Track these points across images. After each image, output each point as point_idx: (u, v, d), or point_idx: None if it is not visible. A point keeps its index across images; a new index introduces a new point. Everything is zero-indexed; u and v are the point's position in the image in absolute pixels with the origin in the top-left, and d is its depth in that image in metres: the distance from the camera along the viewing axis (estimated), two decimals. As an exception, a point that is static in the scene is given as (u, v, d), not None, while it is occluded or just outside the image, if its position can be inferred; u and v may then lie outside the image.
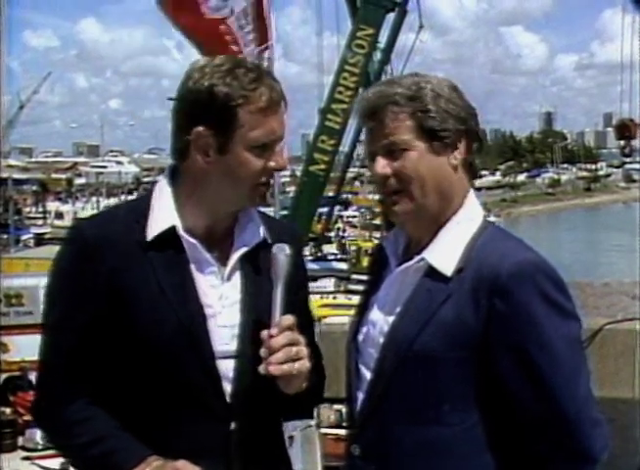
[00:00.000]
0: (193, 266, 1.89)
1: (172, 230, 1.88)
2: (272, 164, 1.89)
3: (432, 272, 1.85)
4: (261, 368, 1.79)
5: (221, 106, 1.83)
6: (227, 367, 1.88)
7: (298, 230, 2.26)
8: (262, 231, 1.97)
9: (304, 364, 1.84)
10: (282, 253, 1.89)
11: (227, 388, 1.88)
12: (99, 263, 1.85)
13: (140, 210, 1.92)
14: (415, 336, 1.81)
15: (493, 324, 1.78)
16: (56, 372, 1.90)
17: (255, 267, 1.95)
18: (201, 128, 1.85)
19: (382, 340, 1.88)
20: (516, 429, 1.82)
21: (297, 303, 2.01)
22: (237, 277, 1.94)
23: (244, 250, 1.94)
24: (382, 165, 1.86)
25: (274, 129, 1.88)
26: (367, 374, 1.90)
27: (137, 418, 1.87)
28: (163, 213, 1.90)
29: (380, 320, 1.90)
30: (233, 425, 1.87)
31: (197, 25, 6.38)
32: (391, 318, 1.88)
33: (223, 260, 1.93)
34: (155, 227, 1.88)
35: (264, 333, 1.82)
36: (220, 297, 1.90)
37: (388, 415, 1.86)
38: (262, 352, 1.80)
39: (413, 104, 1.83)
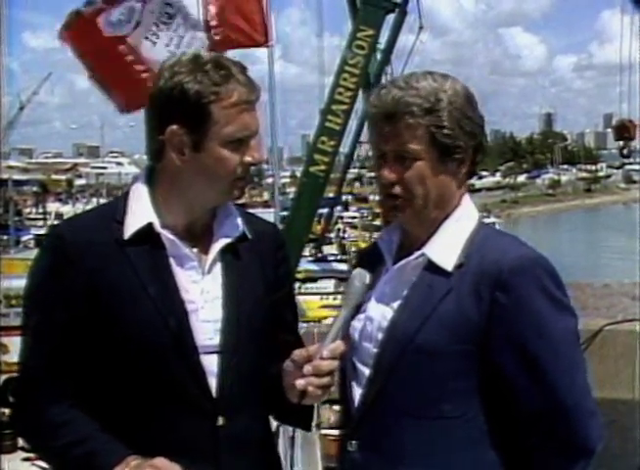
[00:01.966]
0: (173, 262, 1.89)
1: (150, 228, 1.87)
2: (248, 158, 1.89)
3: (431, 267, 1.88)
4: (300, 384, 1.80)
5: (193, 103, 1.83)
6: (212, 362, 1.88)
7: (278, 228, 2.27)
8: (241, 225, 1.97)
9: (331, 392, 1.86)
10: (359, 280, 1.89)
11: (212, 383, 1.87)
12: (78, 265, 1.84)
13: (117, 210, 1.92)
14: (416, 330, 1.83)
15: (495, 317, 1.81)
16: (36, 374, 1.89)
17: (236, 261, 1.95)
18: (174, 127, 1.84)
19: (380, 335, 1.89)
20: (515, 420, 1.84)
21: (281, 297, 2.02)
22: (218, 271, 1.93)
23: (224, 242, 1.94)
24: (389, 171, 1.88)
25: (248, 124, 1.87)
26: (365, 370, 1.91)
27: (123, 417, 1.86)
28: (140, 212, 1.90)
29: (377, 316, 1.91)
30: (220, 421, 1.87)
31: (95, 48, 5.76)
32: (390, 314, 1.89)
33: (203, 255, 1.93)
34: (132, 225, 1.88)
35: (313, 349, 1.82)
36: (202, 292, 1.90)
37: (387, 410, 1.87)
38: (306, 369, 1.80)
39: (430, 117, 1.84)
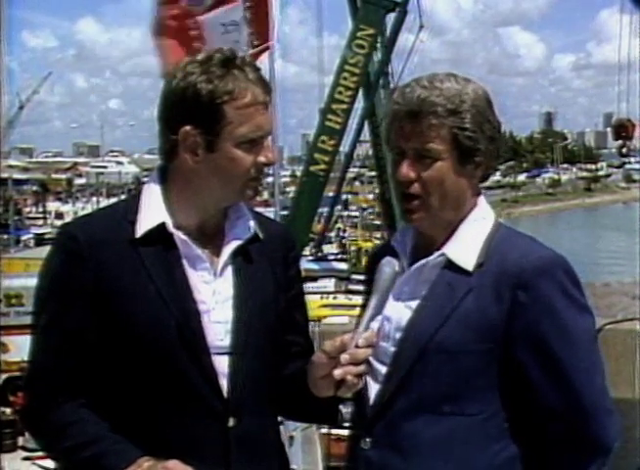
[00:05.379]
0: (185, 263, 1.88)
1: (163, 227, 1.87)
2: (262, 159, 1.88)
3: (451, 267, 1.88)
4: (338, 373, 1.79)
5: (207, 104, 1.82)
6: (222, 363, 1.87)
7: (289, 230, 2.26)
8: (253, 226, 1.96)
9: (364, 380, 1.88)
10: (390, 266, 1.89)
11: (224, 384, 1.87)
12: (90, 263, 1.84)
13: (129, 209, 1.91)
14: (436, 329, 1.84)
15: (515, 316, 1.82)
16: (45, 374, 1.88)
17: (248, 262, 1.95)
18: (188, 128, 1.84)
19: (399, 335, 1.89)
20: (533, 418, 1.86)
21: (291, 298, 2.02)
22: (229, 272, 1.93)
23: (236, 244, 1.93)
24: (408, 169, 1.88)
25: (261, 124, 1.86)
26: (382, 368, 1.91)
27: (133, 417, 1.85)
28: (153, 211, 1.89)
29: (395, 315, 1.91)
30: (231, 421, 1.86)
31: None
32: (409, 313, 1.90)
33: (215, 256, 1.92)
34: (144, 225, 1.87)
35: (346, 338, 1.82)
36: (213, 293, 1.89)
37: (404, 407, 1.87)
38: (343, 358, 1.79)
39: (453, 119, 1.85)
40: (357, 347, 1.80)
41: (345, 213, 49.16)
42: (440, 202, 1.88)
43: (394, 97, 1.91)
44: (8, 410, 6.44)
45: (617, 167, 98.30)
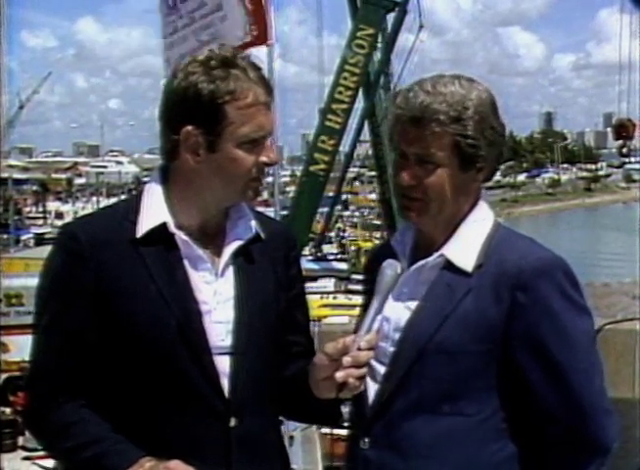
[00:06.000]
0: (186, 263, 1.88)
1: (164, 228, 1.87)
2: (264, 159, 1.89)
3: (450, 268, 1.89)
4: (340, 376, 1.79)
5: (208, 104, 1.82)
6: (224, 363, 1.88)
7: (290, 229, 2.26)
8: (254, 226, 1.97)
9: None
10: (391, 269, 1.89)
11: (225, 384, 1.87)
12: (91, 263, 1.84)
13: (131, 209, 1.91)
14: (435, 330, 1.85)
15: (514, 317, 1.83)
16: (46, 374, 1.88)
17: (249, 262, 1.95)
18: (189, 128, 1.84)
19: (398, 335, 1.90)
20: (532, 419, 1.87)
21: (292, 298, 2.02)
22: (230, 273, 1.93)
23: (237, 244, 1.94)
24: (409, 174, 1.89)
25: (263, 124, 1.87)
26: (380, 368, 1.92)
27: (135, 418, 1.86)
28: (154, 211, 1.89)
29: (394, 316, 1.92)
30: (232, 421, 1.86)
31: None
32: (407, 314, 1.90)
33: (216, 256, 1.92)
34: (145, 224, 1.87)
35: (348, 340, 1.82)
36: (215, 293, 1.90)
37: (403, 407, 1.88)
38: (346, 361, 1.79)
39: (456, 126, 1.85)
40: (359, 349, 1.80)
41: (346, 213, 49.19)
42: (440, 206, 1.89)
43: (398, 101, 1.90)
44: (8, 410, 6.44)
45: (617, 167, 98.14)
